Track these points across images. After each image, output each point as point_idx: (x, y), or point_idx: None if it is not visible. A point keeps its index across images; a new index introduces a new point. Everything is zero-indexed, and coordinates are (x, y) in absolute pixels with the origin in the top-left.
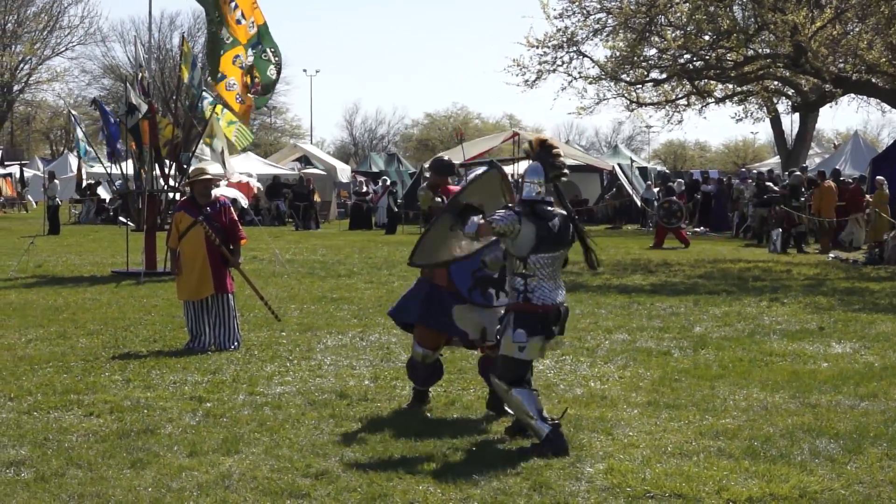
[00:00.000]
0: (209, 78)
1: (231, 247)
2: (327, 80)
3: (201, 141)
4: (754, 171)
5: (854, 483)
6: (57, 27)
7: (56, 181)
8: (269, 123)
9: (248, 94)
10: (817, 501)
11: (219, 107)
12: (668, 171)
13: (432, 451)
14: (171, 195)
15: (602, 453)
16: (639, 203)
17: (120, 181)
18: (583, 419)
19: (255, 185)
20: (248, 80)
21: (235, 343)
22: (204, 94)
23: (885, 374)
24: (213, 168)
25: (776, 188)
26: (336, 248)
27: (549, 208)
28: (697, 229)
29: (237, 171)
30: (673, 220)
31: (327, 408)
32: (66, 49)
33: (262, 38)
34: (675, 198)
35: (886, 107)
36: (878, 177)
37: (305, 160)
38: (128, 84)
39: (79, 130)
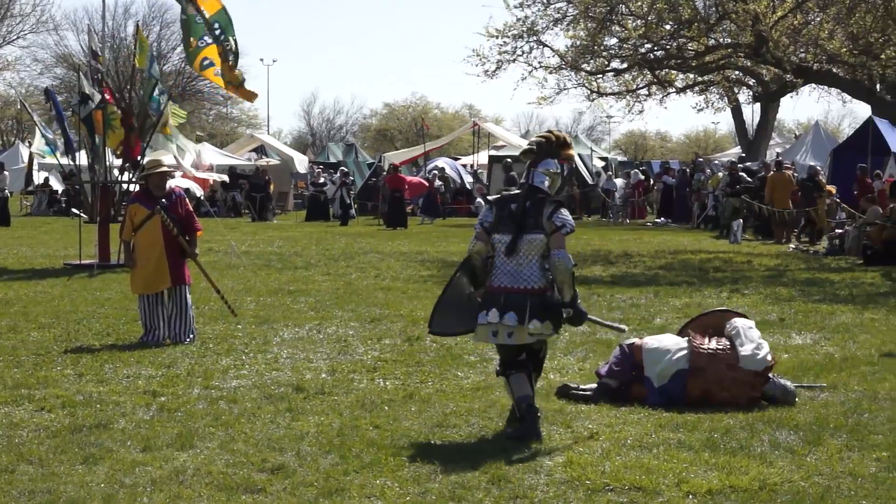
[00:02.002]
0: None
1: (188, 239)
2: (284, 69)
3: (156, 132)
4: (716, 162)
5: (814, 475)
6: (8, 15)
7: (6, 172)
8: (225, 113)
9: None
10: (777, 493)
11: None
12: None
13: (389, 445)
14: (124, 186)
15: (561, 446)
16: (600, 193)
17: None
18: (542, 411)
19: (215, 177)
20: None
21: (191, 336)
22: (159, 85)
23: (844, 366)
24: (168, 159)
25: (749, 178)
26: (293, 239)
27: (514, 193)
28: (658, 220)
29: (202, 162)
30: None
31: (283, 401)
32: (18, 38)
33: (224, 28)
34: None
35: (847, 97)
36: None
37: (262, 150)
38: (81, 73)
39: (35, 117)
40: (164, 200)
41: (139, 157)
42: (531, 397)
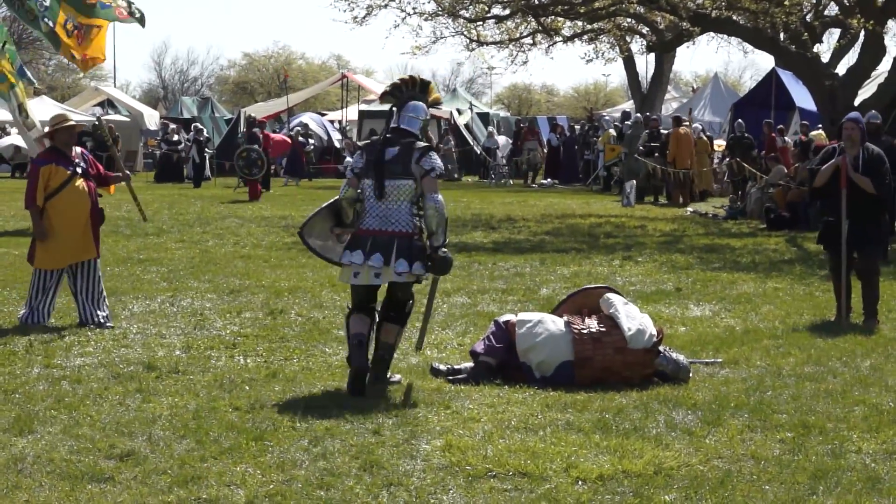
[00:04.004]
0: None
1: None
2: None
3: None
4: (606, 117)
5: (713, 458)
6: None
7: None
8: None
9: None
10: (673, 478)
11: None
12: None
13: (251, 428)
14: None
15: (439, 428)
16: (478, 151)
17: None
18: (418, 391)
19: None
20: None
21: (106, 312)
22: None
23: (746, 339)
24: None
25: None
26: (143, 202)
27: (390, 137)
28: (545, 181)
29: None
30: (254, 170)
31: (133, 381)
32: None
33: None
34: (256, 146)
35: (748, 47)
36: (694, 124)
37: (108, 105)
38: None
39: None
40: (77, 160)
41: None
42: (364, 336)
